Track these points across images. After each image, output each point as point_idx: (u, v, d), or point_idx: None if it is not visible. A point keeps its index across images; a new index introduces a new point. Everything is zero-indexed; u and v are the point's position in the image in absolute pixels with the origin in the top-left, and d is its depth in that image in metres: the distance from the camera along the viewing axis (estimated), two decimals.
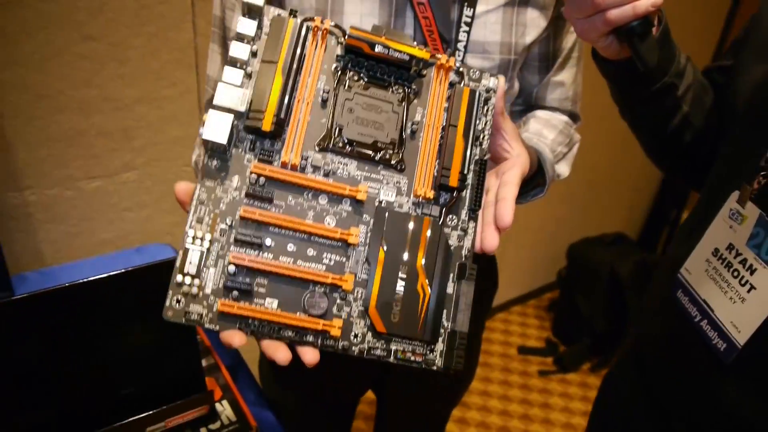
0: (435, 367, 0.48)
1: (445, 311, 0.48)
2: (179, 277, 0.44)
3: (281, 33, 0.47)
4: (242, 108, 0.45)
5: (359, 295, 0.47)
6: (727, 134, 0.64)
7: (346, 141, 0.49)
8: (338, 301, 0.46)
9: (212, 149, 0.46)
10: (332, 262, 0.47)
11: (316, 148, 0.48)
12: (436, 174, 0.49)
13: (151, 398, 0.68)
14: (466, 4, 0.67)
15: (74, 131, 1.10)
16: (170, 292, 0.44)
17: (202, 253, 0.44)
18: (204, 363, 0.82)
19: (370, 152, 0.49)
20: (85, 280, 0.64)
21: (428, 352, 0.48)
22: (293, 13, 0.48)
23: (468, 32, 0.68)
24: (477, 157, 0.51)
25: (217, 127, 0.44)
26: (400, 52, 0.49)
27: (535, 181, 0.72)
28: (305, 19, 0.48)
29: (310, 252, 0.46)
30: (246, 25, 0.47)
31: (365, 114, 0.50)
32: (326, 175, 0.48)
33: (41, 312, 0.63)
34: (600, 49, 0.59)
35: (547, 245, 2.39)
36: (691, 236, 0.60)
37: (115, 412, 0.67)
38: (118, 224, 1.24)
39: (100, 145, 1.13)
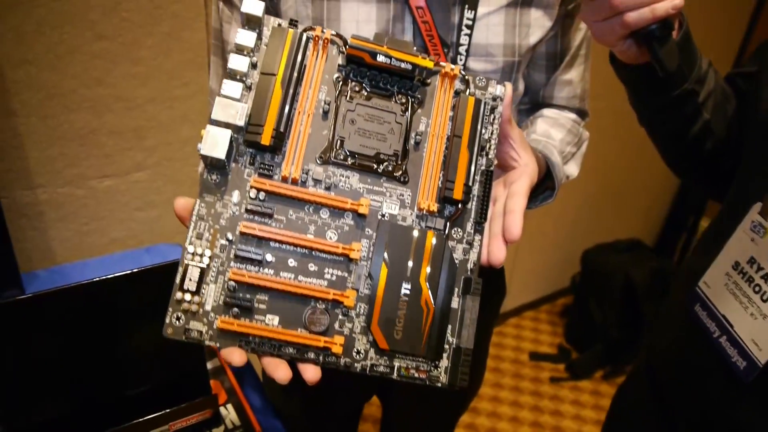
0: (440, 384, 0.47)
1: (450, 326, 0.47)
2: (179, 294, 0.43)
3: (281, 44, 0.46)
4: (241, 122, 0.44)
5: (361, 311, 0.46)
6: (749, 143, 0.62)
7: (347, 153, 0.48)
8: (340, 317, 0.45)
9: (211, 164, 0.45)
10: (334, 278, 0.46)
11: (318, 161, 0.47)
12: (440, 186, 0.48)
13: (155, 401, 0.68)
14: (466, 6, 0.65)
15: (86, 130, 1.10)
16: (170, 309, 0.43)
17: (202, 269, 0.44)
18: (210, 366, 0.81)
19: (372, 164, 0.48)
20: (93, 279, 0.64)
21: (432, 368, 0.47)
22: (293, 23, 0.48)
23: (469, 35, 0.66)
24: (483, 168, 0.49)
25: (215, 143, 0.43)
26: (403, 61, 0.48)
27: (543, 185, 0.71)
28: (305, 29, 0.47)
29: (312, 267, 0.46)
30: (245, 37, 0.46)
31: (367, 125, 0.49)
32: (327, 188, 0.47)
33: (49, 311, 0.63)
34: (617, 53, 0.57)
35: (560, 250, 2.36)
36: (710, 248, 0.58)
37: (119, 414, 0.66)
38: (129, 224, 1.24)
39: (111, 144, 1.13)
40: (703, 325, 0.55)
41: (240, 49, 0.46)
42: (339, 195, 0.47)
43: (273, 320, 0.44)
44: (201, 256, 0.44)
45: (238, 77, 0.46)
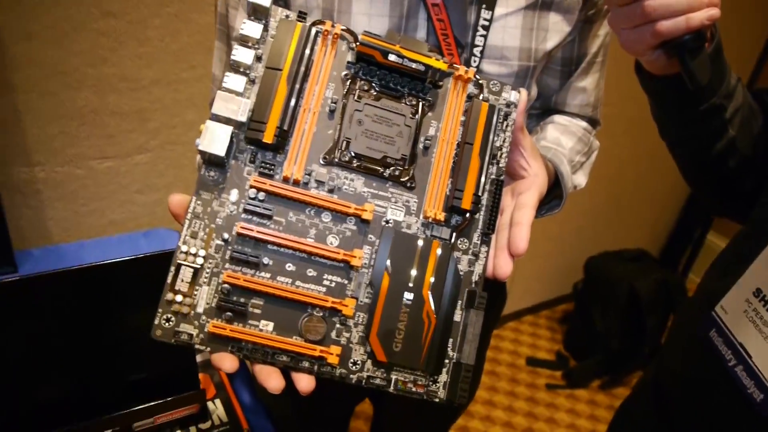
0: (437, 400, 0.45)
1: (451, 340, 0.45)
2: (170, 295, 0.41)
3: (288, 38, 0.44)
4: (243, 118, 0.42)
5: (360, 321, 0.44)
6: None
7: (353, 155, 0.45)
8: (338, 325, 0.43)
9: (210, 161, 0.42)
10: (333, 284, 0.44)
11: (321, 162, 0.45)
12: (448, 194, 0.46)
13: (143, 392, 0.66)
14: (484, 6, 0.62)
15: (88, 109, 1.08)
16: (159, 310, 0.41)
17: (195, 270, 0.41)
18: (199, 358, 0.79)
19: (378, 168, 0.45)
20: (87, 264, 0.62)
21: (431, 383, 0.45)
22: (302, 15, 0.45)
23: (485, 36, 0.63)
24: (493, 176, 0.47)
25: (214, 139, 0.41)
26: (416, 62, 0.45)
27: (551, 195, 0.68)
28: (315, 23, 0.45)
29: (310, 272, 0.43)
30: (251, 28, 0.43)
31: (375, 127, 0.46)
32: (331, 191, 0.45)
33: (41, 293, 0.61)
34: (645, 63, 0.54)
35: (564, 256, 2.33)
36: (729, 271, 0.55)
37: (105, 403, 0.64)
38: (128, 206, 1.22)
39: (114, 125, 1.11)
40: (717, 352, 0.53)
41: (245, 41, 0.44)
42: (342, 198, 0.44)
43: (267, 326, 0.42)
44: (195, 255, 0.42)
45: (241, 70, 0.43)
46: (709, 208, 0.73)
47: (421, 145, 0.47)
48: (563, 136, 0.76)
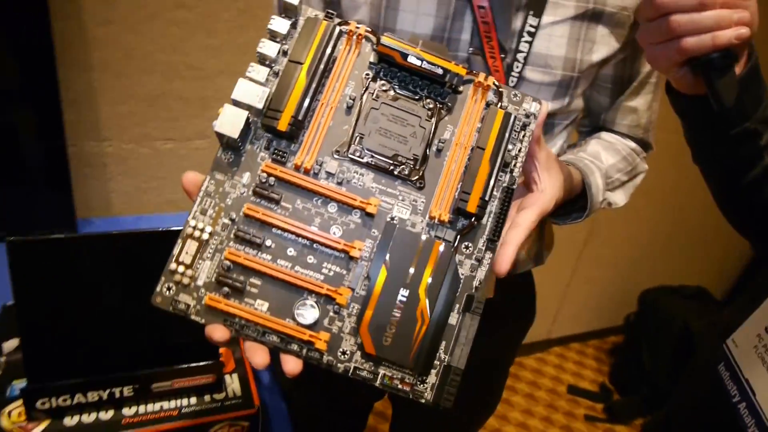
0: (423, 401, 0.44)
1: (444, 343, 0.45)
2: (173, 265, 0.43)
3: (312, 34, 0.46)
4: (260, 105, 0.44)
5: (353, 311, 0.44)
6: None
7: (365, 150, 0.46)
8: (331, 314, 0.44)
9: (227, 143, 0.45)
10: (331, 273, 0.45)
11: (333, 155, 0.46)
12: (456, 197, 0.46)
13: (163, 357, 0.69)
14: (531, 12, 0.63)
15: (156, 93, 1.15)
16: (162, 278, 0.43)
17: (199, 244, 0.44)
18: None
19: (389, 166, 0.47)
20: (135, 230, 0.67)
21: (418, 382, 0.44)
22: (329, 15, 0.47)
23: (530, 43, 0.64)
24: (505, 185, 0.47)
25: (230, 122, 0.43)
26: (435, 65, 0.47)
27: (578, 204, 0.67)
28: (340, 23, 0.47)
29: (310, 259, 0.45)
30: (279, 24, 0.46)
31: (390, 125, 0.47)
32: (340, 183, 0.46)
33: (90, 252, 0.65)
34: (673, 81, 0.53)
35: (618, 285, 2.25)
36: (747, 305, 0.53)
37: (129, 362, 0.68)
38: None
39: (178, 109, 1.18)
40: (724, 387, 0.50)
41: (273, 36, 0.46)
42: (350, 191, 0.46)
43: (262, 306, 0.44)
44: (201, 231, 0.44)
45: (267, 62, 0.46)
46: (743, 235, 0.70)
47: (434, 148, 0.47)
48: (605, 152, 0.75)
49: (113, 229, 0.67)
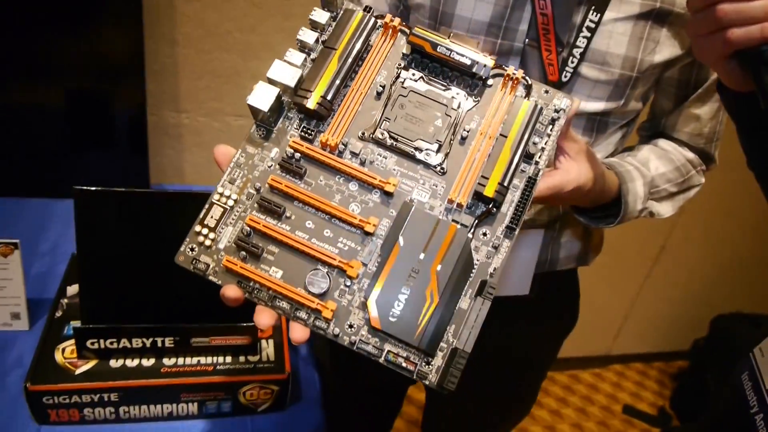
0: (426, 382, 0.44)
1: (453, 327, 0.44)
2: (198, 228, 0.46)
3: (348, 24, 0.48)
4: (292, 84, 0.46)
5: (363, 286, 0.45)
6: None
7: (389, 134, 0.48)
8: (341, 286, 0.45)
9: (261, 119, 0.48)
10: (346, 248, 0.46)
11: (359, 137, 0.48)
12: (476, 183, 0.47)
13: (204, 313, 0.73)
14: (593, 8, 0.61)
15: (233, 70, 1.20)
16: (187, 239, 0.46)
17: (224, 210, 0.46)
18: None
19: (412, 150, 0.48)
20: (183, 191, 0.72)
21: (423, 363, 0.44)
22: (368, 9, 0.49)
23: (589, 39, 0.62)
24: (528, 175, 0.47)
25: (262, 96, 0.46)
26: (464, 55, 0.48)
27: (612, 209, 0.66)
28: (377, 17, 0.50)
29: (327, 233, 0.46)
30: (320, 15, 0.49)
31: (416, 112, 0.49)
32: (362, 163, 0.48)
33: (151, 208, 0.70)
34: (721, 76, 0.50)
35: (688, 308, 2.13)
36: None
37: (175, 316, 0.73)
38: None
39: (251, 88, 1.23)
40: (744, 397, 0.48)
41: (314, 26, 0.49)
42: (372, 171, 0.47)
43: (276, 273, 0.45)
44: (228, 198, 0.46)
45: (305, 49, 0.49)
46: None
47: (459, 136, 0.48)
48: (657, 160, 0.72)
49: None
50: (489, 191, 0.46)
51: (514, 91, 0.49)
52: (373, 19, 0.49)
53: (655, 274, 1.99)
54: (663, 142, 0.75)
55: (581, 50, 0.63)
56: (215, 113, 1.25)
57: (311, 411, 0.81)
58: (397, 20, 0.49)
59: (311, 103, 0.46)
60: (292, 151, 0.47)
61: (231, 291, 0.44)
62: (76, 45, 1.03)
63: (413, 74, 0.49)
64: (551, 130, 0.48)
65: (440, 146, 0.48)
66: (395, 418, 1.09)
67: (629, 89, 0.66)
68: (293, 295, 0.44)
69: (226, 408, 0.75)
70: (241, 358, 0.76)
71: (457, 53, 0.48)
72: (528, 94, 0.49)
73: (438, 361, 0.44)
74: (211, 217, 0.46)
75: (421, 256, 0.45)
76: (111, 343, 0.71)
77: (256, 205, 0.46)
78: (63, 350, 0.72)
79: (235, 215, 0.46)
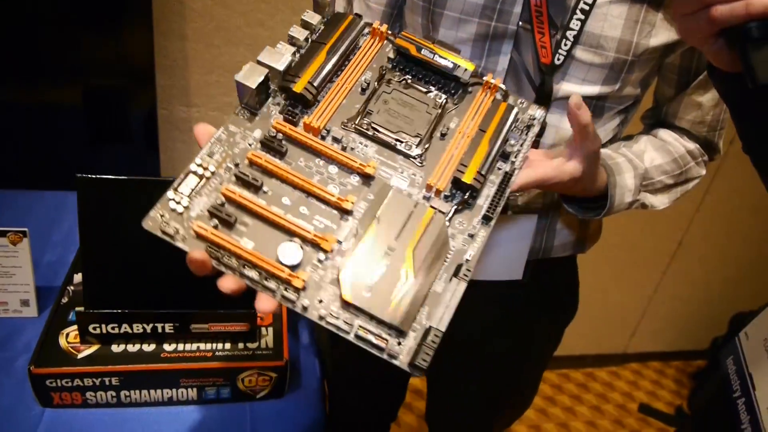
0: (397, 362, 0.42)
1: (427, 309, 0.43)
2: (170, 194, 0.45)
3: (338, 25, 0.52)
4: (281, 67, 0.48)
5: (336, 263, 0.44)
6: None
7: (371, 124, 0.50)
8: (314, 261, 0.44)
9: (247, 102, 0.49)
10: (322, 225, 0.45)
11: (341, 126, 0.50)
12: (456, 170, 0.48)
13: (204, 300, 0.74)
14: None
15: (242, 65, 1.21)
16: (158, 205, 0.45)
17: (200, 180, 0.45)
18: None
19: (392, 140, 0.49)
20: None
21: (395, 342, 0.42)
22: (358, 15, 0.54)
23: (583, 21, 0.62)
24: (505, 170, 0.50)
25: (250, 75, 0.48)
26: (445, 59, 0.52)
27: (599, 201, 0.65)
28: (365, 24, 0.53)
29: (303, 210, 0.46)
30: (311, 16, 0.53)
31: (398, 108, 0.52)
32: (343, 149, 0.49)
33: (149, 195, 0.70)
34: (709, 57, 0.49)
35: (706, 305, 2.09)
36: None
37: (175, 302, 0.74)
38: None
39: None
40: (728, 382, 0.47)
41: (305, 26, 0.52)
42: (352, 156, 0.48)
43: (248, 244, 0.44)
44: (205, 169, 0.46)
45: (295, 45, 0.51)
46: None
47: (439, 132, 0.51)
48: (654, 152, 0.71)
49: None
50: (468, 178, 0.47)
51: (492, 97, 0.53)
52: (362, 22, 0.53)
53: (672, 271, 1.96)
54: (663, 133, 0.74)
55: (575, 33, 0.63)
56: (225, 107, 1.26)
57: (310, 399, 0.81)
58: (384, 27, 0.53)
59: (298, 87, 0.48)
60: (275, 131, 0.48)
61: (198, 254, 0.42)
62: (89, 43, 1.06)
63: (398, 75, 0.53)
64: (526, 135, 0.53)
65: (421, 140, 0.50)
66: (398, 409, 1.10)
67: (624, 73, 0.65)
68: (263, 263, 0.43)
69: (225, 394, 0.77)
70: (240, 345, 0.77)
71: (440, 56, 0.52)
72: (505, 100, 0.53)
73: (410, 342, 0.42)
74: (186, 185, 0.45)
75: (397, 236, 0.45)
76: (113, 328, 0.73)
77: (233, 177, 0.46)
78: (67, 335, 0.74)
79: (210, 186, 0.45)
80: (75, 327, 0.74)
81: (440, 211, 0.47)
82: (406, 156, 0.49)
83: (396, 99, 0.51)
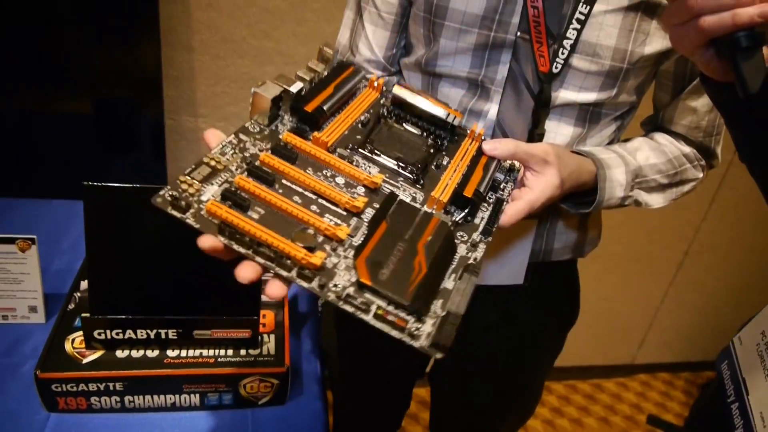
0: (418, 345, 0.40)
1: (441, 302, 0.43)
2: (182, 177, 0.44)
3: (341, 71, 0.60)
4: (294, 90, 0.52)
5: (350, 255, 0.44)
6: None
7: (375, 150, 0.54)
8: (329, 250, 0.44)
9: (258, 119, 0.52)
10: (332, 222, 0.46)
11: (347, 148, 0.54)
12: (457, 185, 0.53)
13: (207, 307, 0.75)
14: (583, 0, 0.62)
15: (248, 76, 1.24)
16: (168, 186, 0.44)
17: (212, 170, 0.46)
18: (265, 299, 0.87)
19: (393, 165, 0.54)
20: None
21: (414, 325, 0.41)
22: (358, 68, 0.63)
23: (579, 30, 0.63)
24: (497, 196, 0.57)
25: (267, 90, 0.51)
26: (438, 108, 0.59)
27: (591, 195, 0.66)
28: (363, 76, 0.62)
29: (313, 208, 0.46)
30: (316, 65, 0.59)
31: (397, 138, 0.57)
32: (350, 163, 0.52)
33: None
34: (700, 66, 0.50)
35: (716, 316, 2.08)
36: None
37: (178, 308, 0.75)
38: None
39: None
40: (722, 387, 0.47)
41: (311, 71, 0.58)
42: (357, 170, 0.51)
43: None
44: (218, 162, 0.46)
45: (303, 82, 0.56)
46: None
47: (433, 166, 0.56)
48: (649, 151, 0.72)
49: None
50: (468, 192, 0.51)
51: (477, 144, 0.60)
52: (362, 73, 0.61)
53: (679, 282, 1.95)
54: (659, 136, 0.75)
55: (572, 42, 0.64)
56: (231, 118, 1.28)
57: (312, 405, 0.82)
58: (381, 80, 0.62)
59: (310, 107, 0.52)
60: (284, 142, 0.50)
61: (210, 241, 0.41)
62: (99, 55, 1.08)
63: (394, 120, 0.59)
64: (511, 175, 0.61)
65: (419, 167, 0.54)
66: (403, 417, 1.10)
67: (620, 80, 0.66)
68: (280, 243, 0.41)
69: (227, 400, 0.77)
70: (242, 352, 0.78)
71: (433, 105, 0.59)
72: None
73: (428, 327, 0.41)
74: (199, 173, 0.45)
75: (408, 235, 0.47)
76: (117, 334, 0.74)
77: (245, 172, 0.47)
78: (72, 340, 0.75)
79: (221, 178, 0.45)
80: (80, 333, 0.75)
81: (443, 221, 0.49)
82: (406, 178, 0.53)
83: (394, 133, 0.57)
